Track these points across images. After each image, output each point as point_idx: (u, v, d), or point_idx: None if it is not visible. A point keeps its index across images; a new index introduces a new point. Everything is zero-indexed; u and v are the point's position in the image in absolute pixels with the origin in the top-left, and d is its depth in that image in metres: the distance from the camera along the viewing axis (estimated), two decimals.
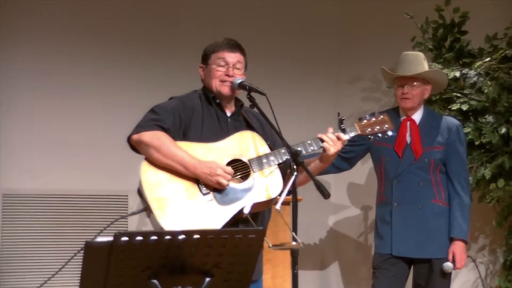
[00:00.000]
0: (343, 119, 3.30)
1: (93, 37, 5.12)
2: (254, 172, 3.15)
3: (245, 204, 3.08)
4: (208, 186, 3.11)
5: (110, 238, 2.35)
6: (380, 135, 3.39)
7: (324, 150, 3.23)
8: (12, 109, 4.93)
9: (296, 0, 5.62)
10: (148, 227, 4.89)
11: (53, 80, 5.02)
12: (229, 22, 5.32)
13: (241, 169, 3.17)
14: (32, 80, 4.98)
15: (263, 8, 5.52)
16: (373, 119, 3.40)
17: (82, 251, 2.40)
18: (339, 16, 5.66)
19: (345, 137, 3.28)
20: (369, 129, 3.37)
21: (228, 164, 3.15)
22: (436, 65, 4.86)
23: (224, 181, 3.06)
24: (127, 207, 5.05)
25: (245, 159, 3.18)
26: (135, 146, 3.19)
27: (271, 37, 5.52)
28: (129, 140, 3.20)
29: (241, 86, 3.25)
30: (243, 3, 5.46)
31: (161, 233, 2.43)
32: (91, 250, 2.39)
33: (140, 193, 3.12)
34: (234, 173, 3.14)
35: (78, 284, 2.47)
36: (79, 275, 2.45)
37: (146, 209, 3.10)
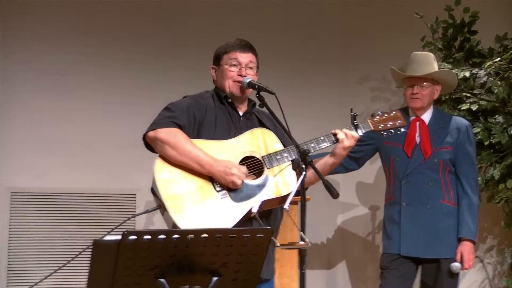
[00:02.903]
0: (356, 115, 3.31)
1: (93, 37, 5.12)
2: (268, 168, 3.15)
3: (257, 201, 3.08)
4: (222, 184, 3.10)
5: (118, 237, 2.35)
6: (393, 131, 3.40)
7: (337, 143, 3.22)
8: (17, 107, 4.94)
9: (303, 0, 5.61)
10: (156, 226, 4.94)
11: (56, 79, 5.02)
12: (235, 22, 5.31)
13: (255, 166, 3.17)
14: (34, 80, 4.98)
15: (269, 8, 5.51)
16: (386, 115, 3.42)
17: (89, 249, 2.40)
18: (349, 16, 5.64)
19: (358, 132, 3.28)
20: (382, 125, 3.38)
21: (242, 160, 3.15)
22: (446, 65, 4.85)
23: (238, 181, 3.06)
24: (135, 206, 5.05)
25: (258, 156, 3.17)
26: (150, 143, 3.18)
27: (278, 37, 5.50)
28: (144, 137, 3.19)
29: (250, 85, 3.24)
30: (249, 3, 5.45)
31: (169, 232, 2.42)
32: (99, 248, 2.39)
33: (154, 191, 3.11)
34: (248, 171, 3.13)
35: (86, 282, 2.47)
36: (86, 272, 2.45)
37: (160, 207, 3.10)
